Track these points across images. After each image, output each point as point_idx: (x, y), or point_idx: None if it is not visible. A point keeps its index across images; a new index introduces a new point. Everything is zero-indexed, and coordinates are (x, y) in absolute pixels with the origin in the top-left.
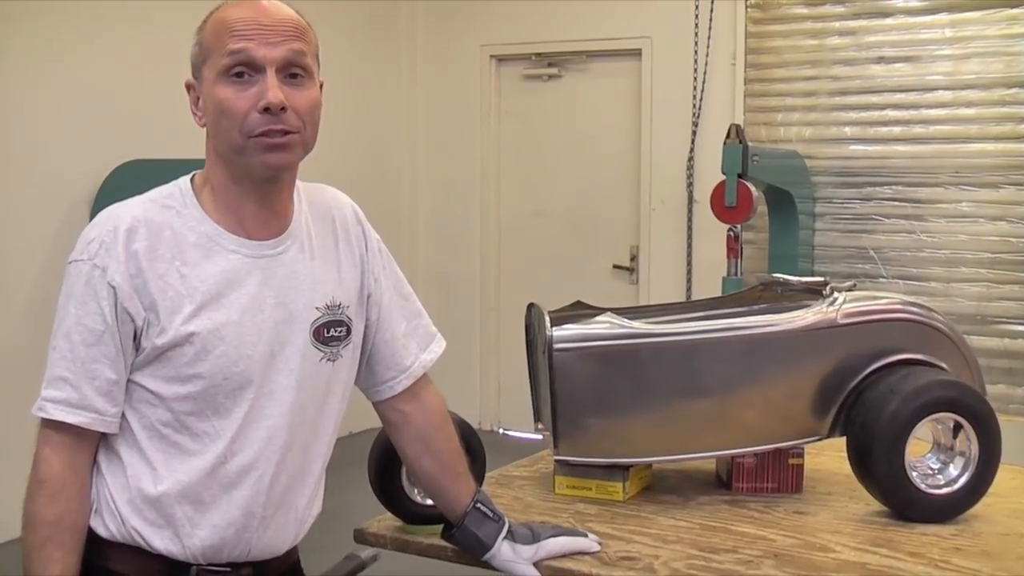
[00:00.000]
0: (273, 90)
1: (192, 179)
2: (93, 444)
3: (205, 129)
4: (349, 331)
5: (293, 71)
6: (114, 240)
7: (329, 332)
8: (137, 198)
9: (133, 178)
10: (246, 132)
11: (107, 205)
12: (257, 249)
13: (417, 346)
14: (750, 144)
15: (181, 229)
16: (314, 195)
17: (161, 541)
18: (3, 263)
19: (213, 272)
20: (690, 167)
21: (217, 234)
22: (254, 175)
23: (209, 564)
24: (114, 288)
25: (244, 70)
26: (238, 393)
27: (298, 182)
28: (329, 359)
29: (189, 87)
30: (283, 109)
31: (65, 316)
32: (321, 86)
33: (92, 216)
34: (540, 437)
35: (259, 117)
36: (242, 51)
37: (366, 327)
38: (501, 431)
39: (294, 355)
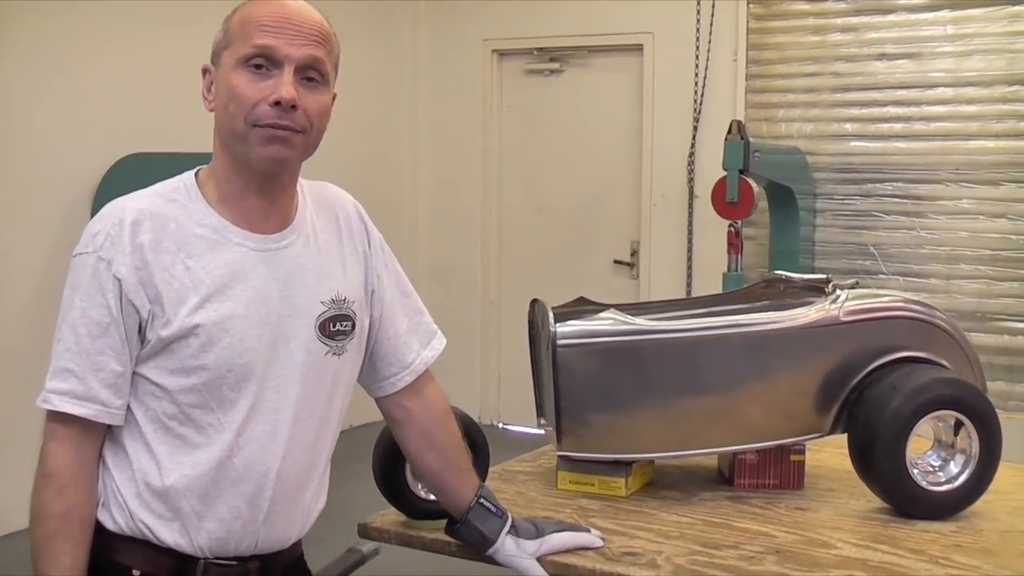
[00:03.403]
0: (287, 87)
1: (196, 174)
2: (99, 437)
3: (213, 118)
4: (355, 325)
5: (310, 74)
6: (119, 233)
7: (335, 326)
8: (142, 191)
9: (135, 172)
10: (251, 120)
11: (109, 198)
12: (262, 243)
13: (418, 343)
14: (751, 140)
15: (186, 222)
16: (317, 192)
17: (169, 534)
18: (5, 256)
19: (219, 264)
20: (691, 162)
21: (223, 227)
22: (252, 166)
23: (216, 558)
24: (119, 280)
25: (263, 63)
26: (242, 385)
27: (301, 179)
28: (335, 353)
29: (205, 71)
30: (293, 107)
31: (70, 308)
32: (334, 97)
33: (94, 209)
34: (541, 432)
35: (268, 110)
36: (266, 46)
37: (369, 323)
38: (501, 425)
39: (298, 349)
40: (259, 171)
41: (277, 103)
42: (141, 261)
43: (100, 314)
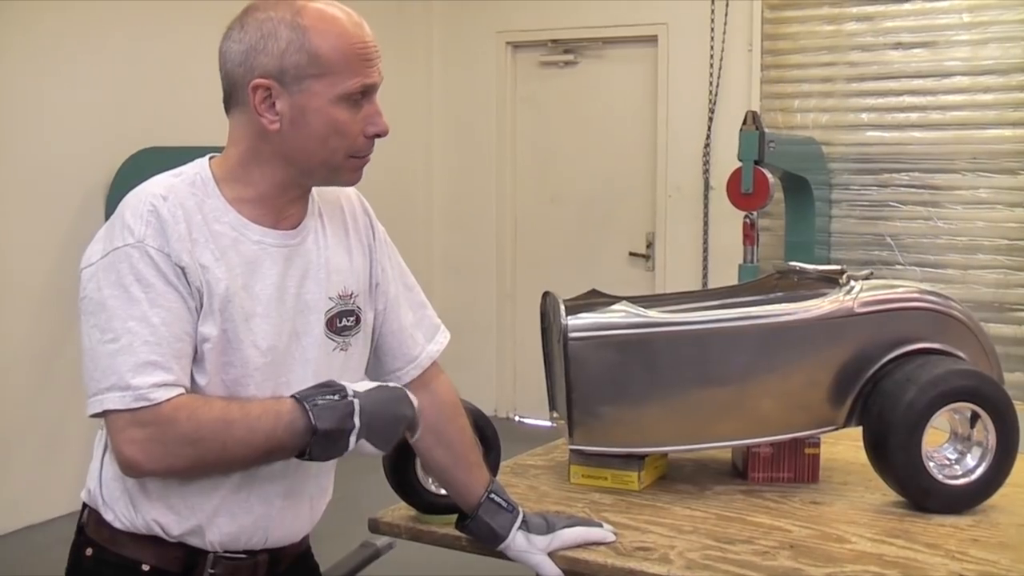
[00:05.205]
0: (383, 119)
1: (209, 164)
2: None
3: (272, 136)
4: (359, 320)
5: None
6: (160, 221)
7: (341, 322)
8: (160, 179)
9: (148, 166)
10: (351, 153)
11: (123, 193)
12: (280, 239)
13: (423, 337)
14: (767, 130)
15: (208, 216)
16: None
17: (180, 530)
18: (19, 251)
19: (239, 262)
20: (706, 154)
21: (241, 224)
22: (325, 184)
23: (226, 552)
24: (183, 268)
25: (360, 96)
26: (264, 384)
27: None
28: (341, 348)
29: (263, 87)
30: None
31: (131, 302)
32: None
33: (108, 204)
34: (555, 425)
35: (366, 142)
36: (372, 84)
37: (374, 317)
38: (517, 419)
39: (311, 345)
40: (316, 186)
41: (377, 135)
42: (186, 248)
43: (170, 300)
